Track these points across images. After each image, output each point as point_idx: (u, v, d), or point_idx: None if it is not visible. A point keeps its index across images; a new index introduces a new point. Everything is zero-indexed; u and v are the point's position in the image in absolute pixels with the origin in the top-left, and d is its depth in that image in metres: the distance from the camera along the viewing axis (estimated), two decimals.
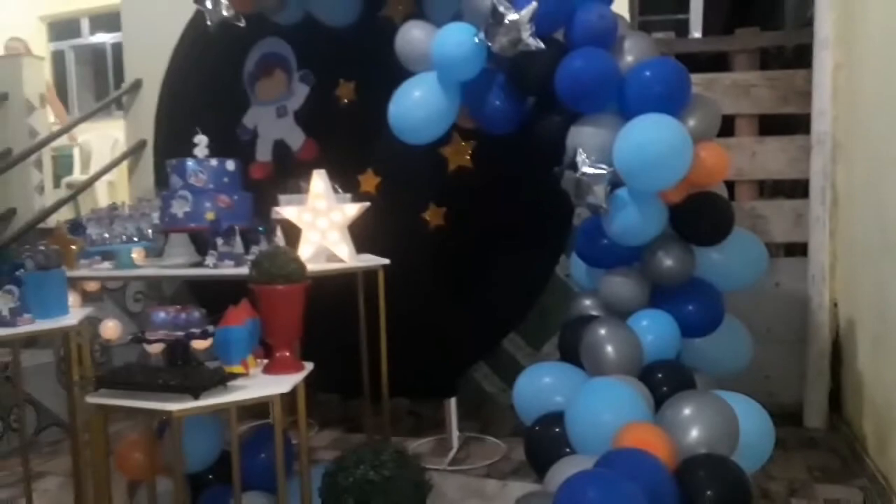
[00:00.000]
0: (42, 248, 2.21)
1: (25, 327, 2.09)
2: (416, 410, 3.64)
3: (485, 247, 3.08)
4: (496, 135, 2.83)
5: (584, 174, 2.44)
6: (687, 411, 2.00)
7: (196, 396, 1.72)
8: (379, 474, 2.03)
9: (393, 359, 2.73)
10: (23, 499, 2.59)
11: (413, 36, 2.80)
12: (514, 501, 1.99)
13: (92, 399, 1.81)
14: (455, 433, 3.15)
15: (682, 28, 4.65)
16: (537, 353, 3.43)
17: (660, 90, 2.43)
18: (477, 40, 2.57)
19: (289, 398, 3.09)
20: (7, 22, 6.72)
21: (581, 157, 2.46)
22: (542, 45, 2.50)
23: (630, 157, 2.34)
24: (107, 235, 2.48)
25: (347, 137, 3.37)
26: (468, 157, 3.13)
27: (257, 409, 2.02)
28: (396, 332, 2.73)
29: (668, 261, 2.48)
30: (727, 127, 3.32)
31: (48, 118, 4.79)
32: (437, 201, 3.20)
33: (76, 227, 2.57)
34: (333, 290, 2.26)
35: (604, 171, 2.42)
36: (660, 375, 2.29)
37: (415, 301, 2.92)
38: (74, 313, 2.26)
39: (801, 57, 3.48)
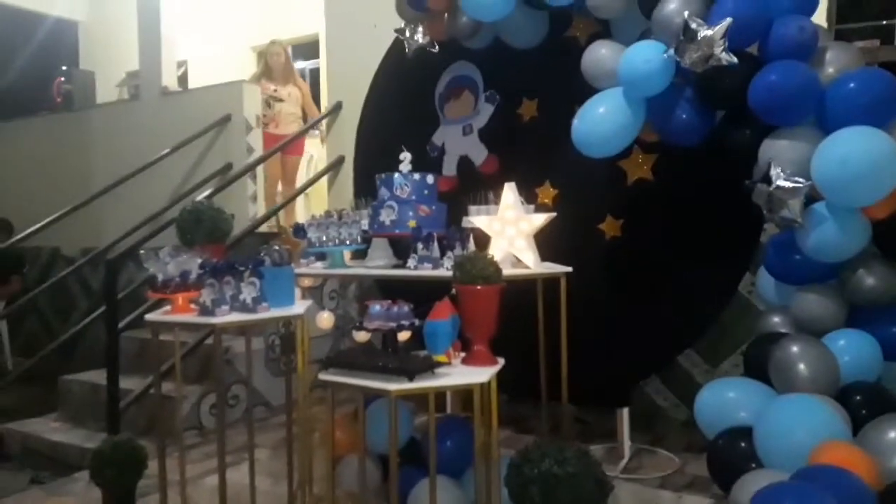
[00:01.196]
0: (277, 248, 2.58)
1: (263, 314, 2.45)
2: (582, 418, 3.69)
3: (664, 260, 3.09)
4: (680, 148, 2.87)
5: (778, 188, 2.41)
6: (893, 434, 1.92)
7: (411, 379, 1.95)
8: (563, 469, 2.12)
9: (568, 364, 2.83)
10: (241, 464, 3.00)
11: (601, 54, 2.92)
12: None
13: (322, 376, 2.11)
14: (627, 442, 3.18)
15: (887, 35, 4.33)
16: (714, 371, 3.36)
17: (866, 101, 2.35)
18: (666, 56, 2.63)
19: (464, 395, 3.30)
20: (222, 53, 7.72)
21: (775, 171, 2.43)
22: (735, 60, 2.51)
23: (832, 170, 2.28)
24: (324, 238, 2.83)
25: (527, 152, 3.54)
26: (649, 170, 3.17)
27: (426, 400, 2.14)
28: (571, 339, 2.83)
29: (869, 279, 2.37)
30: None
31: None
32: (614, 213, 3.27)
33: (299, 230, 2.95)
34: (511, 295, 2.40)
35: (800, 185, 2.38)
36: (858, 397, 2.20)
37: (590, 310, 2.99)
38: (299, 304, 2.61)
39: None
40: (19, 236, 4.86)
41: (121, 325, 3.66)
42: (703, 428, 2.45)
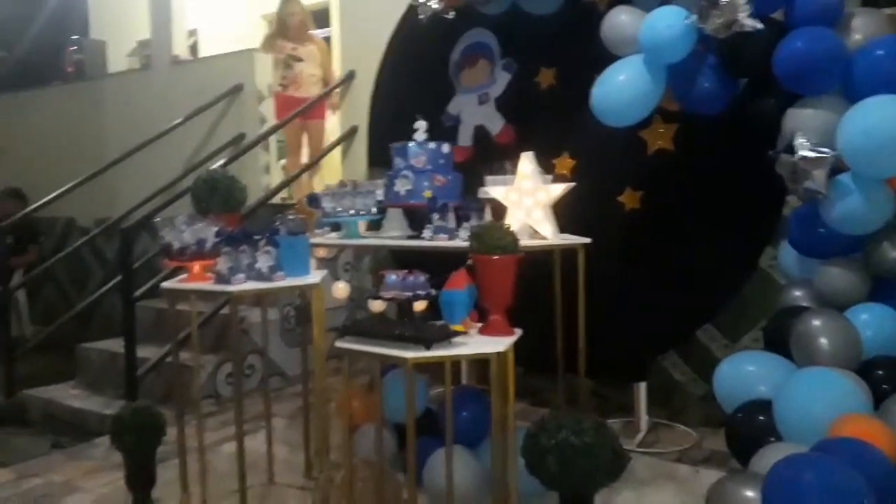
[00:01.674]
0: (292, 217, 2.57)
1: (279, 283, 2.45)
2: (600, 392, 3.68)
3: (684, 232, 3.04)
4: (701, 117, 2.81)
5: (802, 158, 2.36)
6: None
7: (428, 347, 1.94)
8: (580, 440, 2.11)
9: (586, 338, 2.81)
10: (258, 432, 3.03)
11: (621, 20, 2.86)
12: (716, 482, 2.01)
13: (339, 344, 2.11)
14: (644, 416, 3.17)
15: None
16: (734, 346, 3.33)
17: (893, 69, 2.29)
18: (688, 22, 2.57)
19: (479, 367, 3.30)
20: (233, 22, 7.62)
21: (800, 141, 2.38)
22: (760, 25, 2.45)
23: (858, 140, 2.23)
24: (339, 209, 2.82)
25: (545, 122, 3.48)
26: (670, 140, 3.11)
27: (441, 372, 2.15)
28: (588, 312, 2.81)
29: (894, 252, 2.33)
30: None
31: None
32: (633, 184, 3.21)
33: (313, 200, 2.93)
34: (527, 267, 2.37)
35: (825, 156, 2.33)
36: (881, 372, 2.17)
37: (608, 283, 2.96)
38: (315, 274, 2.60)
39: None
40: (34, 206, 4.87)
41: (137, 294, 3.68)
42: (722, 401, 2.43)
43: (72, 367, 4.27)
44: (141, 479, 2.45)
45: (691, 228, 3.04)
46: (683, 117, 3.00)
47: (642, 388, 3.18)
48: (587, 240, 2.70)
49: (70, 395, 4.04)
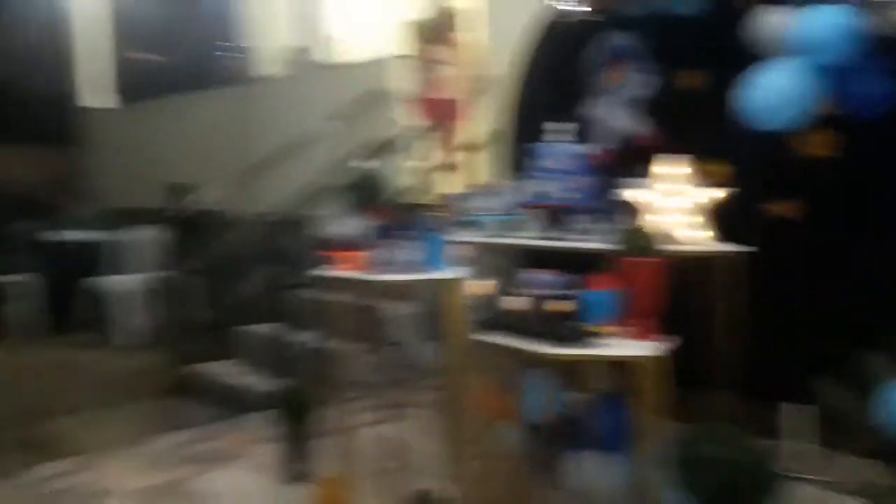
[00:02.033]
0: (433, 215, 2.71)
1: (423, 276, 2.58)
2: (750, 411, 3.48)
3: (846, 246, 2.85)
4: (863, 121, 2.64)
5: None
6: None
7: (568, 345, 1.98)
8: (735, 455, 2.01)
9: (731, 352, 2.71)
10: (398, 421, 3.19)
11: (772, 21, 2.75)
12: None
13: (479, 337, 2.19)
14: (801, 441, 2.99)
15: None
16: None
17: None
18: (850, 21, 2.43)
19: (615, 373, 3.25)
20: (372, 28, 7.94)
21: None
22: None
23: None
24: (478, 208, 2.92)
25: (690, 126, 3.36)
26: (829, 146, 2.93)
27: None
28: (744, 325, 2.69)
29: None
30: None
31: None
32: (788, 193, 3.04)
33: (453, 200, 3.06)
34: (676, 275, 2.28)
35: None
36: None
37: (759, 296, 2.80)
38: (454, 270, 2.72)
39: None
40: (197, 202, 5.36)
41: (290, 283, 4.00)
42: (888, 429, 2.27)
43: (232, 348, 4.69)
44: (295, 452, 2.68)
45: (853, 242, 2.84)
46: (843, 122, 2.82)
47: (795, 409, 3.01)
48: (748, 248, 2.59)
49: (232, 372, 4.46)
